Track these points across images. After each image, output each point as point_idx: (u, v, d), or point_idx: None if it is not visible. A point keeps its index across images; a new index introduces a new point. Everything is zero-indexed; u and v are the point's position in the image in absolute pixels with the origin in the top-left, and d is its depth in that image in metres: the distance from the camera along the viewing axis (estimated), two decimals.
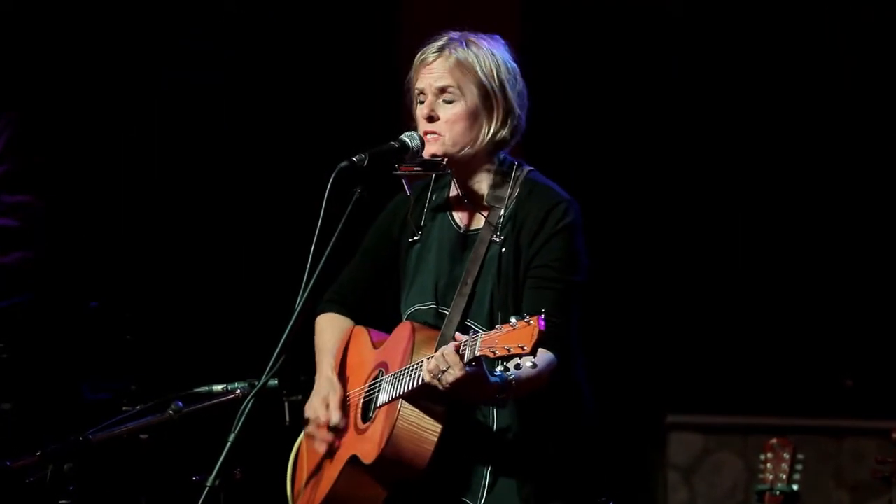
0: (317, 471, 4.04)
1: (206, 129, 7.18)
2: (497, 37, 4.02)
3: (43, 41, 6.40)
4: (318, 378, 4.12)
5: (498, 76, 3.92)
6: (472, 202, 4.00)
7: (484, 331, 3.62)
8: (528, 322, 3.50)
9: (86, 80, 6.80)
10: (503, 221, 3.93)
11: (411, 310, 4.01)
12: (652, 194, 7.87)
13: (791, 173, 7.89)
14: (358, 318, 4.19)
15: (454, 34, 3.98)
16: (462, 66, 3.92)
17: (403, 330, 3.95)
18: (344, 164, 3.87)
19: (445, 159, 3.94)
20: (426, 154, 3.95)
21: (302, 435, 4.17)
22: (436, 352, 3.68)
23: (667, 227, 7.90)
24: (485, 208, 3.97)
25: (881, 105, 7.77)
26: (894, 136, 7.79)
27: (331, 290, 4.22)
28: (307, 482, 4.06)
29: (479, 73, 3.91)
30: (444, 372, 3.60)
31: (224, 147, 7.20)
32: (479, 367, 3.58)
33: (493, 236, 3.92)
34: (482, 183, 3.99)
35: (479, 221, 3.98)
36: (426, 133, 3.95)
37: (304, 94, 7.33)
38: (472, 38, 3.96)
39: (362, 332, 4.15)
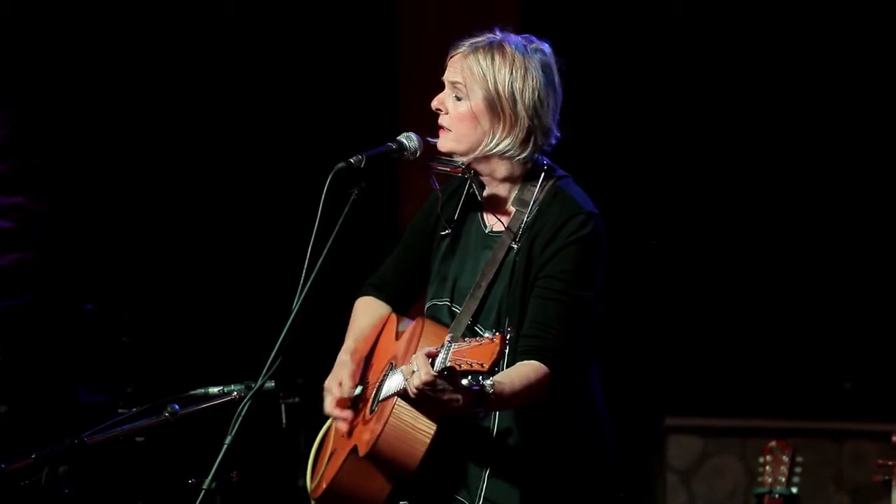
0: (332, 455, 4.02)
1: (205, 130, 7.17)
2: (544, 47, 3.94)
3: (40, 41, 6.39)
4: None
5: (510, 86, 3.85)
6: (496, 205, 3.97)
7: (466, 339, 3.54)
8: (493, 339, 3.46)
9: (83, 80, 6.79)
10: (524, 227, 3.89)
11: (430, 304, 4.00)
12: (649, 196, 7.86)
13: (790, 175, 7.87)
14: (396, 307, 4.16)
15: (497, 35, 3.91)
16: (476, 67, 3.87)
17: (416, 325, 3.95)
18: (341, 165, 3.85)
19: (466, 160, 3.92)
20: (439, 146, 3.93)
21: (330, 420, 4.14)
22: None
23: (665, 229, 7.88)
24: (509, 212, 3.94)
25: (881, 105, 7.75)
26: (894, 136, 7.77)
27: (373, 276, 4.21)
28: (325, 464, 4.04)
29: (489, 78, 3.86)
30: (412, 374, 3.57)
31: (222, 148, 7.19)
32: (450, 376, 3.51)
33: (512, 241, 3.88)
34: (505, 186, 3.95)
35: (503, 224, 3.94)
36: (439, 126, 3.93)
37: (304, 94, 7.33)
38: (507, 43, 3.88)
39: (394, 321, 4.13)
